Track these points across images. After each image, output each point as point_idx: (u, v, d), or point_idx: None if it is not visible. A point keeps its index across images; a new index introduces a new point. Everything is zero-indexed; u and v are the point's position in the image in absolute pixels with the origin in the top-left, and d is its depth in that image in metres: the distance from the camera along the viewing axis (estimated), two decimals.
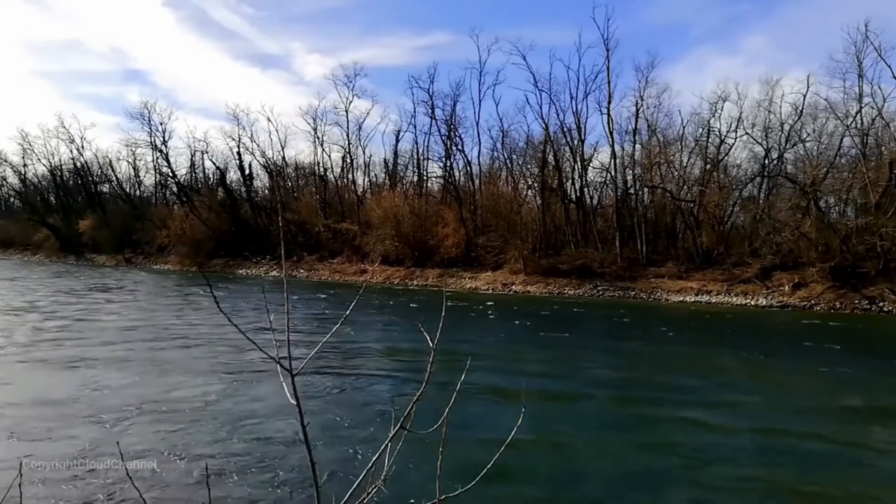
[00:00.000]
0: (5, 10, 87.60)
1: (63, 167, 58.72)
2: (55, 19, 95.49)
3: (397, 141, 47.50)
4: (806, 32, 65.14)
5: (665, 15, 76.20)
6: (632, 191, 33.41)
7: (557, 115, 36.80)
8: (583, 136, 34.39)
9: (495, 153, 41.66)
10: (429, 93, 39.45)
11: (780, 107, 29.38)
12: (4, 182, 67.07)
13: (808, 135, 29.06)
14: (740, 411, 9.04)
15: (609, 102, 32.62)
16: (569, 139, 35.13)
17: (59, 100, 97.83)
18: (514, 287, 30.24)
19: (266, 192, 53.03)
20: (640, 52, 71.78)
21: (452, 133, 39.57)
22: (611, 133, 32.65)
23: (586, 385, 10.71)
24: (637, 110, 32.54)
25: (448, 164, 39.78)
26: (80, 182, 58.75)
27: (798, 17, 67.84)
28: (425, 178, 43.70)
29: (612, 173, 32.90)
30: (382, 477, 1.60)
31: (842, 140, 27.56)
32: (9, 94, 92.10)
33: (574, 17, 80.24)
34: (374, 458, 1.54)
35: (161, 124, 49.88)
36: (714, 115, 31.33)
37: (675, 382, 11.08)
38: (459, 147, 40.03)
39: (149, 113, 49.01)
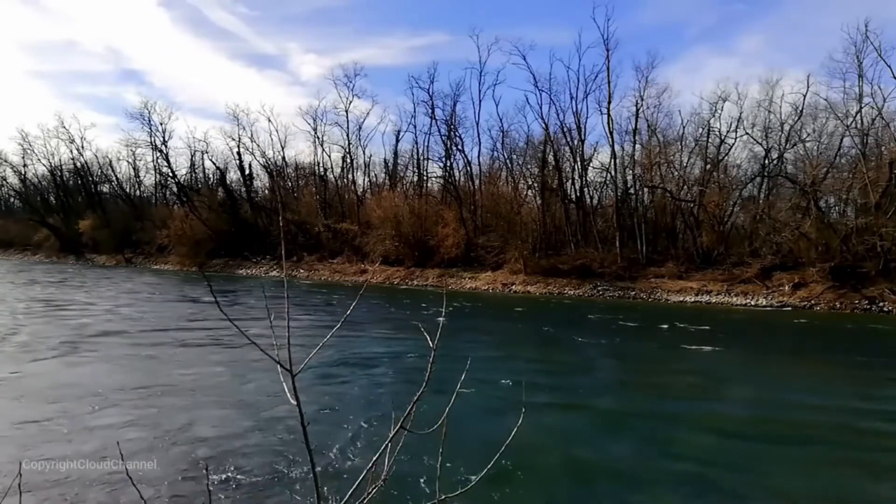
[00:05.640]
0: (1, 11, 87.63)
1: (63, 167, 58.90)
2: (50, 20, 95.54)
3: (397, 141, 47.65)
4: (801, 33, 65.11)
5: (662, 15, 76.26)
6: (632, 191, 33.37)
7: (557, 115, 36.88)
8: (583, 136, 34.45)
9: (495, 153, 41.73)
10: (429, 93, 39.59)
11: (780, 107, 29.42)
12: (4, 182, 67.16)
13: (808, 135, 29.09)
14: (740, 411, 9.04)
15: (609, 102, 32.66)
16: (569, 139, 35.16)
17: (55, 100, 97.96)
18: (514, 287, 30.22)
19: (266, 192, 53.08)
20: (639, 52, 71.85)
21: (452, 133, 39.65)
22: (611, 133, 32.70)
23: (586, 385, 10.71)
24: (637, 110, 32.58)
25: (448, 164, 39.86)
26: (80, 182, 58.77)
27: (793, 19, 67.90)
28: (425, 178, 43.83)
29: (612, 173, 32.90)
30: (382, 477, 1.60)
31: (842, 140, 27.59)
32: (6, 94, 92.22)
33: (574, 17, 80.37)
34: (374, 458, 1.54)
35: (161, 124, 50.06)
36: (714, 115, 31.40)
37: (674, 383, 11.09)
38: (459, 147, 40.12)
39: (149, 113, 49.19)
